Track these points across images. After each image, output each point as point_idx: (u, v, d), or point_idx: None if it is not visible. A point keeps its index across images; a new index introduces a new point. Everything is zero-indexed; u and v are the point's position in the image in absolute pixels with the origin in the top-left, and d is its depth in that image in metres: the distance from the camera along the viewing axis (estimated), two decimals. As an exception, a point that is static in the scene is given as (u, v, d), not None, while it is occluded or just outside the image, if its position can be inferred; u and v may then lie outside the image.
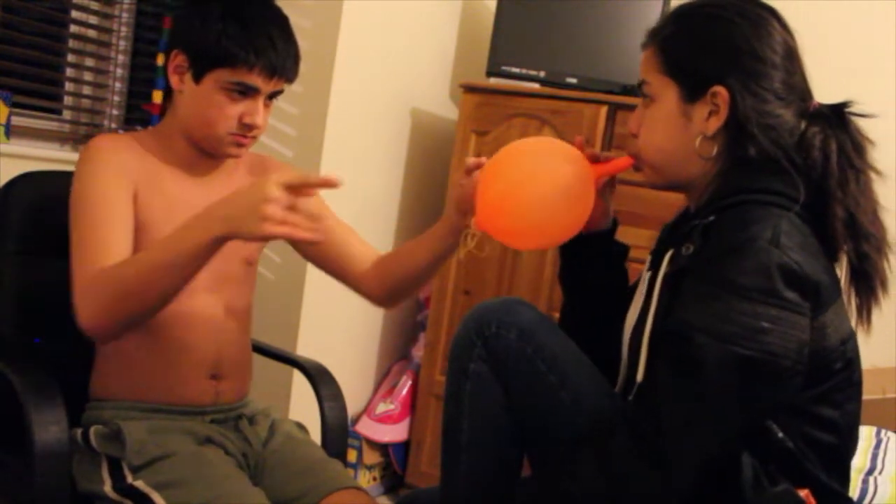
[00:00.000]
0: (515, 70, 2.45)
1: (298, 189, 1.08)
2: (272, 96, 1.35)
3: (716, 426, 0.95)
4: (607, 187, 1.25)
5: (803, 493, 0.98)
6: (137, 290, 1.15)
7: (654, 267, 1.11)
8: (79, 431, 1.32)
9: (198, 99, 1.31)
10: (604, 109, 2.30)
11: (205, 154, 1.38)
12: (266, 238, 1.09)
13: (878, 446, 1.98)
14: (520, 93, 2.41)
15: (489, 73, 2.49)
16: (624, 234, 2.35)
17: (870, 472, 1.86)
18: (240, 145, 1.34)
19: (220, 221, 1.10)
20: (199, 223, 1.12)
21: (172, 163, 1.36)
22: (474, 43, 2.79)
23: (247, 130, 1.32)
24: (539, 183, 1.15)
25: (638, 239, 2.29)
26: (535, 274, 2.38)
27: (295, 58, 1.35)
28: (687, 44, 1.11)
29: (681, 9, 1.14)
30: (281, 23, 1.33)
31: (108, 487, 1.24)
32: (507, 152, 1.21)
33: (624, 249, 1.30)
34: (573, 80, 2.40)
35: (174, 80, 1.33)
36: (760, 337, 0.92)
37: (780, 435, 0.99)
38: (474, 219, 1.18)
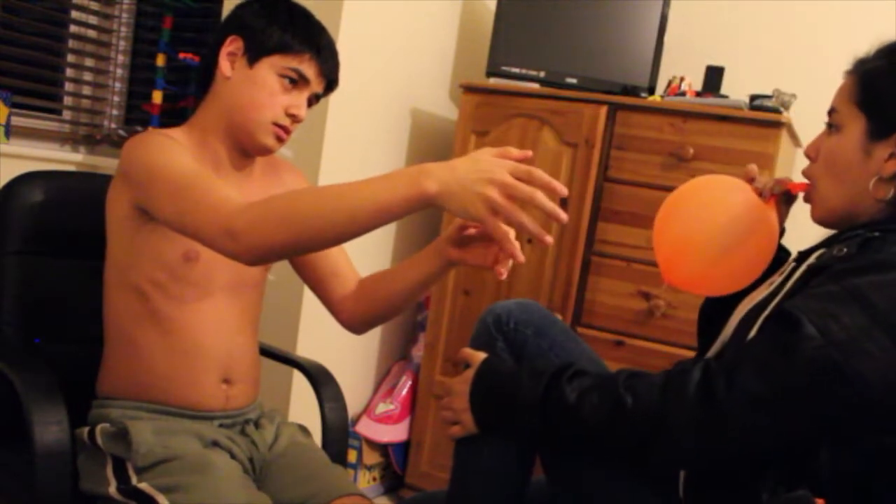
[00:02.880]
0: (515, 70, 2.45)
1: (524, 179, 0.99)
2: (311, 103, 1.38)
3: (779, 414, 0.94)
4: (784, 202, 1.24)
5: (820, 502, 0.97)
6: (308, 221, 1.05)
7: (800, 261, 1.10)
8: (85, 430, 1.32)
9: (249, 82, 1.32)
10: (604, 109, 2.30)
11: (237, 151, 1.38)
12: (477, 221, 0.99)
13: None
14: (520, 93, 2.41)
15: (489, 74, 2.49)
16: (624, 235, 2.35)
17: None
18: (279, 139, 1.35)
19: (438, 182, 0.99)
20: (409, 176, 1.01)
21: (203, 160, 1.35)
22: (474, 43, 2.79)
23: (290, 122, 1.34)
24: (721, 241, 1.17)
25: (638, 239, 2.30)
26: (535, 274, 2.38)
27: (339, 69, 1.40)
28: (887, 81, 1.09)
29: (893, 45, 1.12)
30: (329, 34, 1.39)
31: (112, 489, 1.24)
32: (676, 205, 1.22)
33: (786, 255, 1.29)
34: (573, 80, 2.40)
35: (225, 65, 1.34)
36: (861, 357, 0.91)
37: (824, 458, 0.98)
38: (662, 276, 1.20)
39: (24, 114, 2.06)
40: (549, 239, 1.00)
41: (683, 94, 2.35)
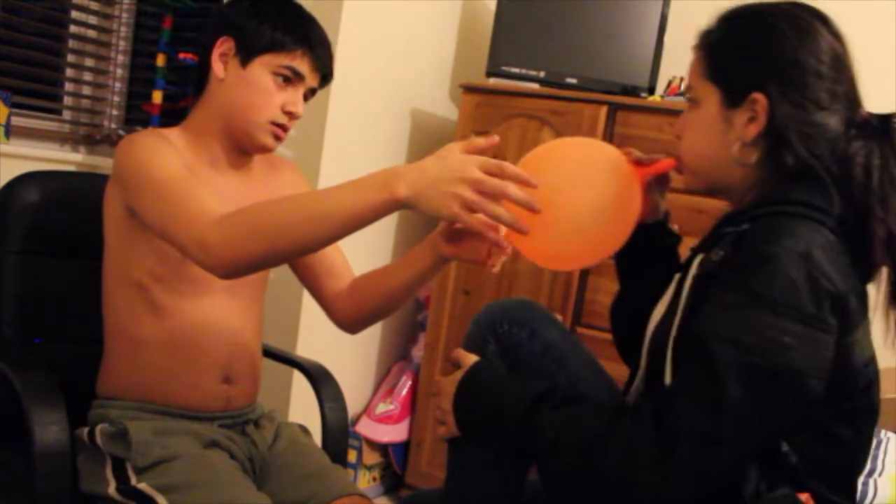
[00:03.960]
0: (515, 70, 2.45)
1: (495, 174, 0.98)
2: (306, 97, 1.37)
3: (734, 438, 0.92)
4: (656, 185, 1.23)
5: (804, 496, 0.97)
6: (280, 231, 1.06)
7: (684, 269, 1.09)
8: (85, 430, 1.32)
9: (244, 83, 1.32)
10: (604, 109, 2.30)
11: (235, 150, 1.38)
12: (451, 220, 0.99)
13: (878, 447, 1.97)
14: (520, 93, 2.41)
15: (489, 74, 2.49)
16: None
17: (870, 473, 1.86)
18: (277, 137, 1.35)
19: (408, 185, 0.99)
20: (379, 181, 1.01)
21: (200, 159, 1.35)
22: (474, 43, 2.79)
23: (287, 119, 1.34)
24: (580, 203, 1.10)
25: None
26: (535, 274, 2.38)
27: (332, 61, 1.39)
28: (730, 49, 1.10)
29: (729, 12, 1.12)
30: (321, 27, 1.38)
31: (111, 489, 1.24)
32: (539, 160, 1.12)
33: (675, 240, 1.29)
34: (573, 80, 2.40)
35: (217, 67, 1.33)
36: (783, 352, 0.90)
37: (785, 448, 0.98)
38: (505, 235, 1.08)
39: (24, 114, 2.06)
40: (526, 228, 0.99)
41: (683, 94, 2.34)
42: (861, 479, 1.84)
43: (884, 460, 1.90)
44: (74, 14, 2.18)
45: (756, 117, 1.05)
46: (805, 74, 1.03)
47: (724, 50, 1.10)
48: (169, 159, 1.24)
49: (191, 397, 1.35)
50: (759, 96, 1.04)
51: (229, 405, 1.39)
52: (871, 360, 1.03)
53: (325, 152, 2.27)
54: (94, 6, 2.22)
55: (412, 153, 2.68)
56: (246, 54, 1.32)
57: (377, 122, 2.50)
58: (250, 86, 1.31)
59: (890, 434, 2.04)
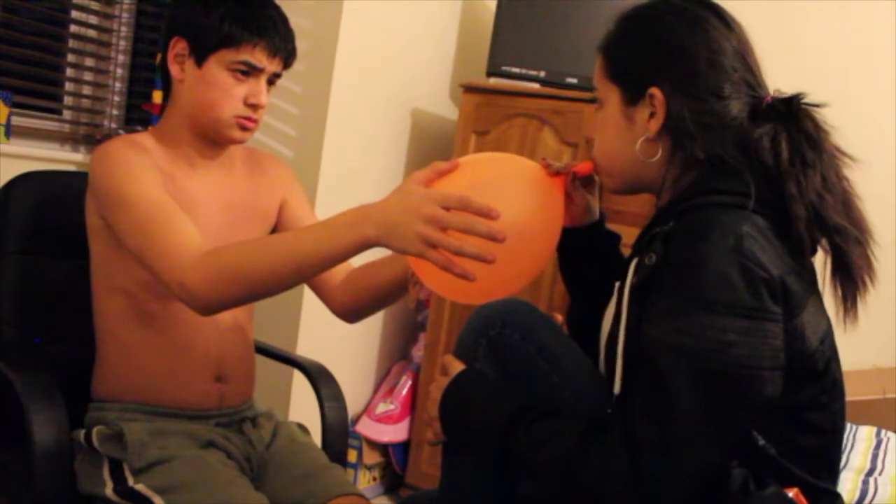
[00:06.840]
0: (515, 70, 2.45)
1: (458, 209, 0.99)
2: (272, 80, 1.36)
3: (694, 445, 0.91)
4: (584, 187, 1.23)
5: (792, 492, 0.96)
6: (259, 275, 1.10)
7: (623, 275, 1.08)
8: (81, 433, 1.32)
9: (201, 83, 1.31)
10: (604, 109, 2.30)
11: (209, 144, 1.37)
12: (417, 256, 1.00)
13: (878, 446, 1.97)
14: (520, 93, 2.41)
15: (489, 73, 2.49)
16: (624, 235, 2.34)
17: (870, 472, 1.85)
18: (245, 129, 1.34)
19: (375, 226, 1.02)
20: (349, 223, 1.05)
21: (177, 160, 1.35)
22: (474, 43, 2.79)
23: (252, 111, 1.33)
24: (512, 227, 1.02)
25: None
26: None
27: (293, 39, 1.37)
28: (623, 47, 1.11)
29: (625, 11, 1.14)
30: (276, 6, 1.36)
31: (109, 490, 1.24)
32: (459, 184, 1.06)
33: (615, 240, 1.28)
34: (573, 80, 2.40)
35: (175, 69, 1.33)
36: (729, 350, 0.89)
37: (762, 443, 0.96)
38: (413, 269, 1.05)
39: (24, 114, 2.05)
40: (491, 259, 0.97)
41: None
42: (861, 478, 1.84)
43: (884, 460, 1.90)
44: (74, 14, 2.18)
45: (655, 112, 1.05)
46: (697, 65, 1.04)
47: (620, 49, 1.12)
48: (144, 175, 1.23)
49: (184, 397, 1.35)
50: (654, 91, 1.05)
51: (223, 403, 1.39)
52: (827, 336, 1.02)
53: (325, 152, 2.27)
54: (94, 6, 2.21)
55: (412, 153, 2.68)
56: (199, 54, 1.30)
57: (377, 121, 2.50)
58: (209, 85, 1.30)
59: (890, 434, 2.04)
